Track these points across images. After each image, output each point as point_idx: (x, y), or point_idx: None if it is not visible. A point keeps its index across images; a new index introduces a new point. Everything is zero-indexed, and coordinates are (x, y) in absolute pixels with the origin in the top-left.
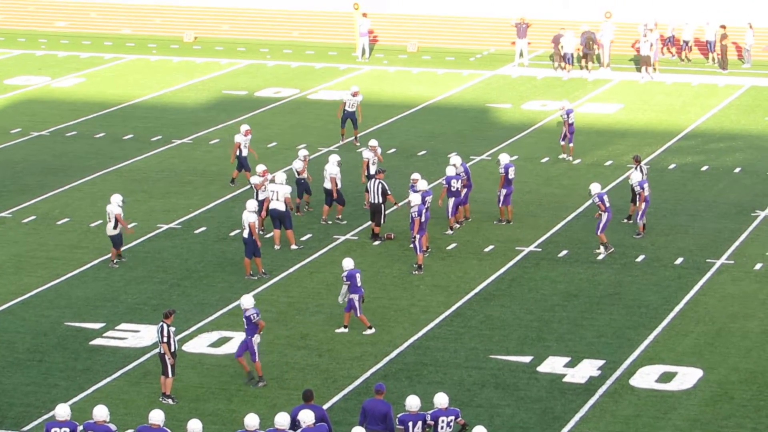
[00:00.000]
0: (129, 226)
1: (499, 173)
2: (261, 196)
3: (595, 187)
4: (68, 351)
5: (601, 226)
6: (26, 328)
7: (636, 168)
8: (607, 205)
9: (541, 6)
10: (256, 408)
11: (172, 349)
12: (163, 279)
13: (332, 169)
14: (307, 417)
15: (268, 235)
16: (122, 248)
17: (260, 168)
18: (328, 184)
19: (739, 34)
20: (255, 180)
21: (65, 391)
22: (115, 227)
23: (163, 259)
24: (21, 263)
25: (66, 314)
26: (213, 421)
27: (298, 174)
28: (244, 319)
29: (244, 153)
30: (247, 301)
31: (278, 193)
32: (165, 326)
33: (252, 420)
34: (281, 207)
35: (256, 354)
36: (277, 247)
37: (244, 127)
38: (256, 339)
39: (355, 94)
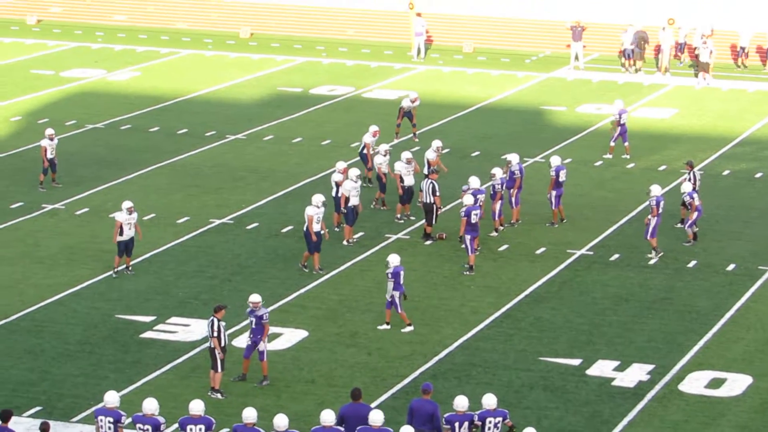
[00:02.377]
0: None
1: (550, 175)
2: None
3: (655, 189)
4: (118, 343)
5: (650, 230)
6: (77, 320)
7: (689, 173)
8: (660, 210)
9: (597, 9)
10: (304, 405)
11: (222, 344)
12: (214, 274)
13: (397, 165)
14: (377, 417)
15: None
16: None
17: (341, 165)
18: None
19: None
20: (336, 177)
21: (114, 383)
22: (120, 234)
23: (214, 254)
24: (73, 255)
25: (117, 307)
26: (261, 416)
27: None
28: (253, 318)
29: (371, 152)
30: (255, 297)
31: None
32: (216, 321)
33: (281, 420)
34: (354, 203)
35: (264, 353)
36: (344, 242)
37: (373, 128)
38: (266, 340)
39: (414, 101)
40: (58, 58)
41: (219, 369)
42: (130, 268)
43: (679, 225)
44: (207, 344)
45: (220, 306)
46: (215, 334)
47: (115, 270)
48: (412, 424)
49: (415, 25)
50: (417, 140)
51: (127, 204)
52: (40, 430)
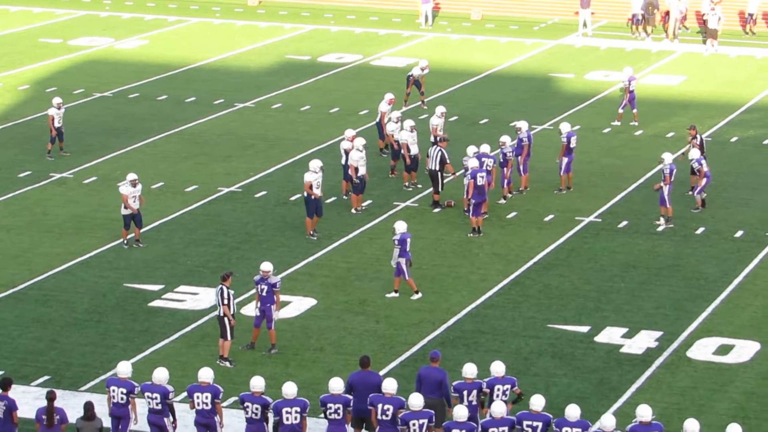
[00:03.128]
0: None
1: (561, 142)
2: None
3: (668, 157)
4: (127, 312)
5: (666, 198)
6: (85, 289)
7: (694, 139)
8: (672, 179)
9: None
10: (313, 372)
11: (232, 312)
12: (223, 242)
13: (403, 134)
14: (390, 385)
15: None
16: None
17: (349, 133)
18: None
19: None
20: (345, 145)
21: (123, 351)
22: (125, 207)
23: (222, 222)
24: (81, 224)
25: (125, 275)
26: (270, 385)
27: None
28: (264, 286)
29: (385, 120)
30: (267, 265)
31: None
32: (224, 289)
33: (290, 389)
34: (351, 172)
35: (273, 321)
36: (352, 210)
37: (389, 96)
38: (274, 308)
39: (424, 69)
40: (65, 27)
41: (228, 337)
42: (140, 241)
43: (690, 192)
44: (216, 312)
45: (227, 273)
46: (225, 302)
47: (125, 241)
48: (421, 392)
49: None
50: (425, 107)
51: (131, 176)
52: (47, 399)
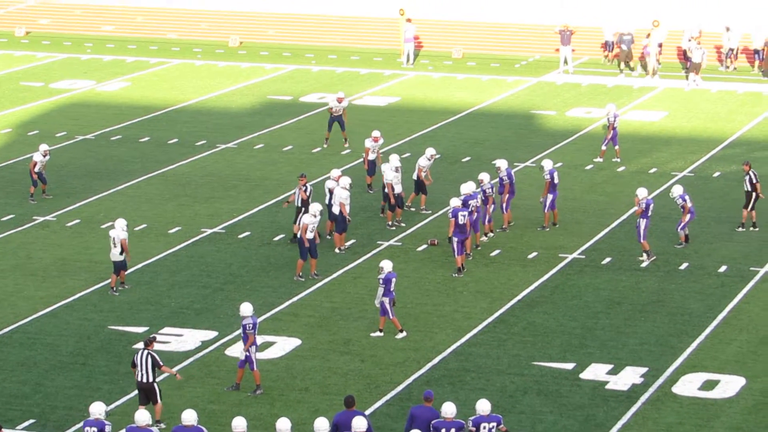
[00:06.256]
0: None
1: (544, 179)
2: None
3: (642, 192)
4: (111, 354)
5: (641, 233)
6: (70, 331)
7: (747, 174)
8: (649, 213)
9: (585, 14)
10: (298, 413)
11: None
12: (207, 283)
13: (388, 174)
14: (359, 423)
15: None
16: (126, 273)
17: (335, 173)
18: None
19: None
20: (330, 184)
21: (108, 394)
22: (120, 253)
23: (206, 264)
24: (65, 266)
25: (109, 318)
26: (255, 425)
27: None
28: (242, 327)
29: (371, 157)
30: (245, 308)
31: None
32: (145, 353)
33: (284, 425)
34: (336, 211)
35: (254, 363)
36: (336, 250)
37: (375, 133)
38: (253, 349)
39: (340, 100)
40: (47, 70)
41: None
42: (125, 283)
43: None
44: (198, 355)
45: (151, 338)
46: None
47: (114, 289)
48: (411, 430)
49: (405, 31)
50: (347, 145)
51: (122, 222)
52: None
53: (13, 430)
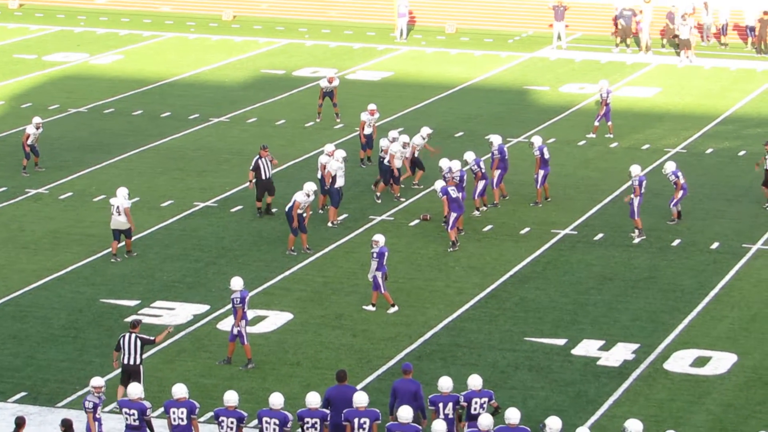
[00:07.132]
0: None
1: (534, 155)
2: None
3: (635, 169)
4: (103, 328)
5: (634, 210)
6: (62, 305)
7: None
8: (642, 190)
9: None
10: (290, 387)
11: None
12: (199, 257)
13: (395, 146)
14: (361, 398)
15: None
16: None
17: (329, 147)
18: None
19: None
20: (323, 159)
21: (100, 367)
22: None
23: (198, 237)
24: (57, 239)
25: (101, 291)
26: (246, 399)
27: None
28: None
29: (367, 131)
30: (235, 282)
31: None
32: (132, 336)
33: (277, 399)
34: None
35: (245, 337)
36: (329, 224)
37: (371, 106)
38: (243, 324)
39: (331, 80)
40: (40, 42)
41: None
42: (132, 251)
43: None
44: (190, 328)
45: (135, 321)
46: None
47: (115, 254)
48: (395, 405)
49: (398, 6)
50: (339, 120)
51: (124, 191)
52: (15, 425)
53: (5, 402)
